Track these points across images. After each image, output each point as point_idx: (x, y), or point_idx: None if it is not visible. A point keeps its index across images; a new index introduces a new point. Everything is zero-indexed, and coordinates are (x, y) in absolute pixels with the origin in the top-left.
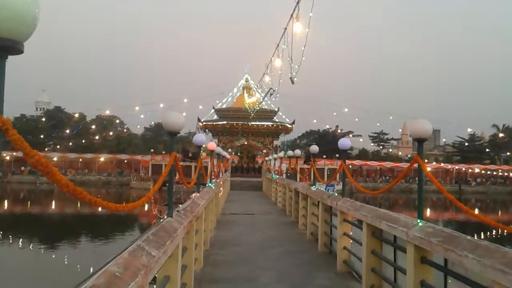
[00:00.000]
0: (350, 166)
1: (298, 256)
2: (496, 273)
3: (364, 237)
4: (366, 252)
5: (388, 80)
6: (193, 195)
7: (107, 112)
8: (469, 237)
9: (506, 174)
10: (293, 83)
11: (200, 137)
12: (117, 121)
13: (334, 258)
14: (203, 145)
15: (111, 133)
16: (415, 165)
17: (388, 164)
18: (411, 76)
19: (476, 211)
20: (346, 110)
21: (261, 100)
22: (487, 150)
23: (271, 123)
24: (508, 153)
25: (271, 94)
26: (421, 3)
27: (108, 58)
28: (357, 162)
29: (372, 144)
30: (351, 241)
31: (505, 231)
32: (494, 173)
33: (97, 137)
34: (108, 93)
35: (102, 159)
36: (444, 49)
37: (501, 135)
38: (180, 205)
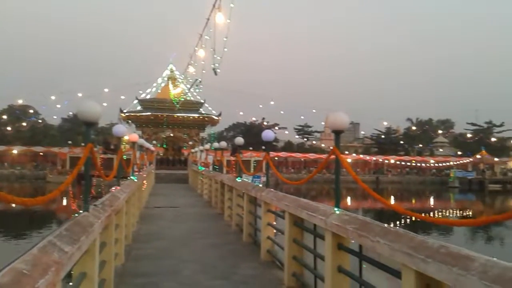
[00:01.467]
0: (276, 158)
1: (223, 248)
2: (404, 257)
3: (286, 226)
4: (288, 241)
5: (313, 76)
6: (113, 188)
7: (20, 102)
8: (381, 224)
9: (418, 164)
10: (216, 74)
11: (120, 128)
12: (31, 111)
13: (258, 248)
14: (125, 137)
15: (24, 124)
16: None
17: (312, 156)
18: (334, 72)
19: (392, 200)
20: (272, 103)
21: (187, 91)
22: (402, 142)
23: (197, 115)
24: (420, 145)
25: (196, 85)
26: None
27: (19, 39)
28: (282, 154)
29: (297, 137)
30: (274, 231)
31: (417, 218)
32: (408, 163)
33: (9, 128)
34: (20, 80)
35: (15, 151)
36: (364, 50)
37: (414, 128)
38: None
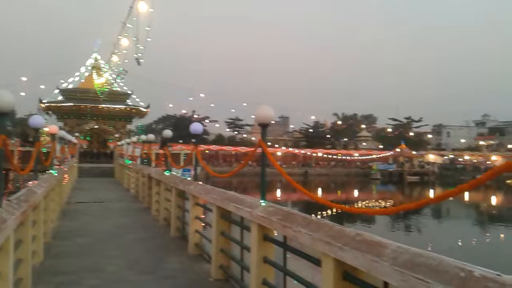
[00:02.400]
0: (207, 151)
1: (149, 243)
2: (324, 245)
3: (214, 219)
4: (216, 234)
5: (243, 70)
6: (30, 183)
7: None
8: (304, 215)
9: (344, 157)
10: (139, 64)
11: (37, 119)
12: None
13: (186, 242)
14: (45, 128)
15: None
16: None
17: (243, 149)
18: (263, 66)
19: (319, 192)
20: (202, 95)
21: (112, 81)
22: (329, 136)
23: (124, 106)
24: (346, 139)
25: (123, 75)
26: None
27: None
28: (213, 147)
29: (227, 130)
30: (203, 224)
31: (336, 208)
32: (334, 156)
33: None
34: None
35: None
36: (295, 46)
37: (339, 122)
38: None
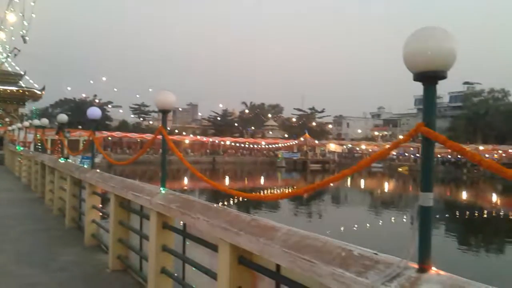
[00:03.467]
0: (110, 138)
1: (42, 235)
2: (220, 231)
3: (112, 209)
4: (114, 224)
5: (152, 55)
6: None
7: None
8: (203, 201)
9: (251, 146)
10: (25, 42)
11: None
12: None
13: (83, 233)
14: None
15: None
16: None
17: (148, 136)
18: (175, 53)
19: (227, 180)
20: (104, 79)
21: (3, 60)
22: (237, 124)
23: (16, 88)
24: (253, 128)
25: (14, 54)
26: None
27: None
28: (117, 134)
29: (132, 116)
30: (100, 214)
31: (233, 195)
32: (242, 145)
33: None
34: None
35: None
36: (209, 35)
37: (247, 111)
38: None
